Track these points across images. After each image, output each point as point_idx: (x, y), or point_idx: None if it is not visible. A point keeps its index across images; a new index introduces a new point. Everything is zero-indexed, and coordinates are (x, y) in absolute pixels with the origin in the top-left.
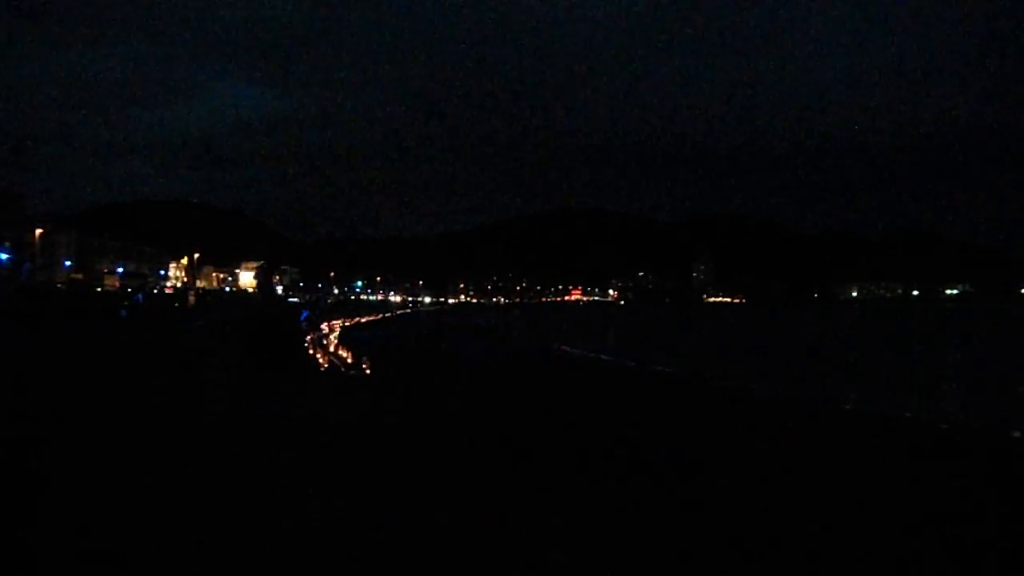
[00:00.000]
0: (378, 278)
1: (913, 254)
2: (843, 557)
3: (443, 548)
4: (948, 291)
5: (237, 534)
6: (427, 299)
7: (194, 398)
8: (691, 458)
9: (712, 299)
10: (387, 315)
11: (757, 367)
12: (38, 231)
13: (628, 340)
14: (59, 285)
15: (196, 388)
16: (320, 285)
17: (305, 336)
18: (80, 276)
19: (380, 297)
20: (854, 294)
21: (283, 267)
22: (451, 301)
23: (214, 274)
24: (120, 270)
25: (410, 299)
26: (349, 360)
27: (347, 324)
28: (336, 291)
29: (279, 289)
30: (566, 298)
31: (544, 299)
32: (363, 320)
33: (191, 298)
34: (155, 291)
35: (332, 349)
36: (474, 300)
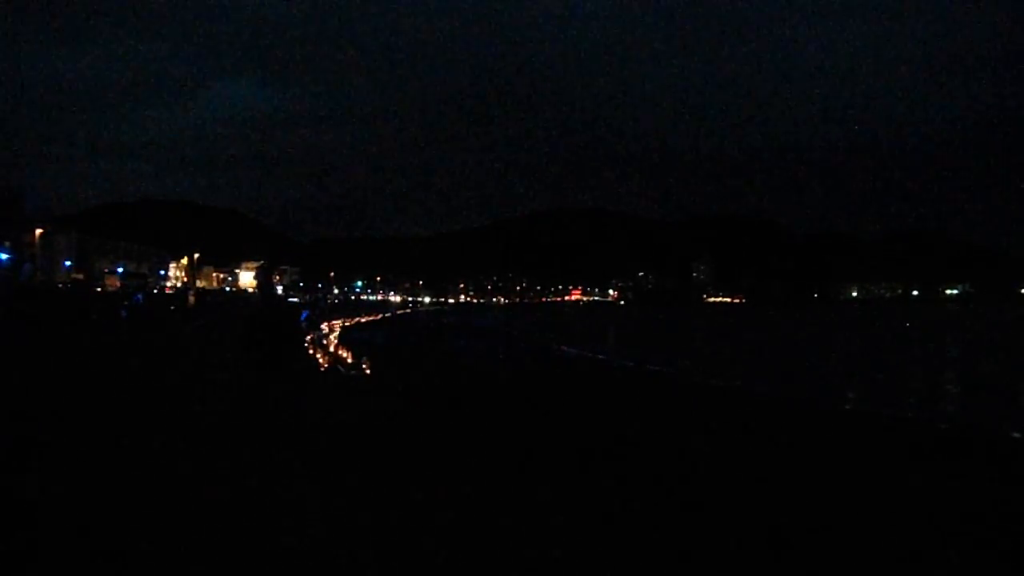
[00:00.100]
0: (378, 278)
1: (913, 254)
2: (843, 557)
3: (443, 548)
4: (948, 291)
5: (237, 534)
6: (427, 299)
7: (193, 398)
8: (690, 458)
9: (712, 299)
10: (387, 315)
11: (756, 367)
12: (38, 231)
13: (628, 340)
14: (60, 285)
15: (195, 388)
16: (320, 285)
17: (305, 336)
18: (81, 276)
19: (380, 297)
20: (854, 294)
21: (283, 267)
22: (451, 301)
23: (214, 274)
24: (120, 270)
25: (410, 299)
26: (349, 360)
27: (347, 324)
28: (336, 291)
29: (279, 289)
30: (566, 298)
31: (544, 299)
32: (363, 320)
33: (191, 298)
34: (155, 291)
35: (332, 349)
36: (474, 300)
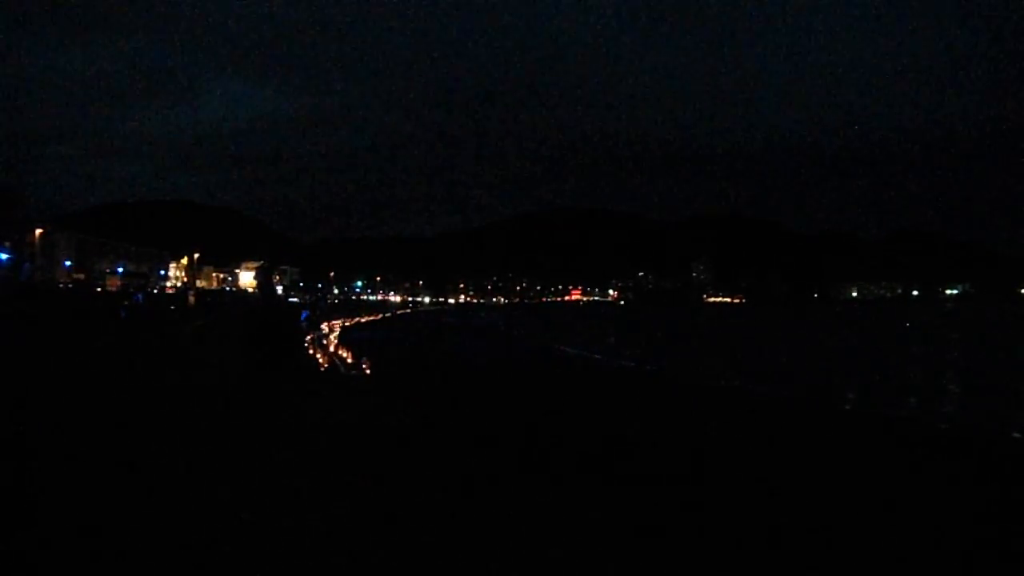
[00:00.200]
0: (378, 278)
1: (913, 254)
2: (843, 557)
3: (443, 548)
4: (948, 291)
5: (237, 534)
6: (427, 299)
7: (193, 398)
8: (690, 459)
9: (712, 299)
10: (387, 315)
11: (756, 367)
12: (38, 231)
13: (627, 341)
14: (60, 285)
15: (195, 388)
16: (320, 285)
17: (305, 336)
18: (82, 276)
19: (380, 297)
20: (854, 294)
21: (283, 267)
22: (451, 301)
23: (214, 274)
24: (120, 270)
25: (410, 299)
26: (349, 360)
27: (347, 324)
28: (336, 291)
29: (279, 289)
30: (566, 298)
31: (544, 299)
32: (363, 320)
33: (191, 298)
34: (155, 291)
35: (332, 349)
36: (474, 300)
